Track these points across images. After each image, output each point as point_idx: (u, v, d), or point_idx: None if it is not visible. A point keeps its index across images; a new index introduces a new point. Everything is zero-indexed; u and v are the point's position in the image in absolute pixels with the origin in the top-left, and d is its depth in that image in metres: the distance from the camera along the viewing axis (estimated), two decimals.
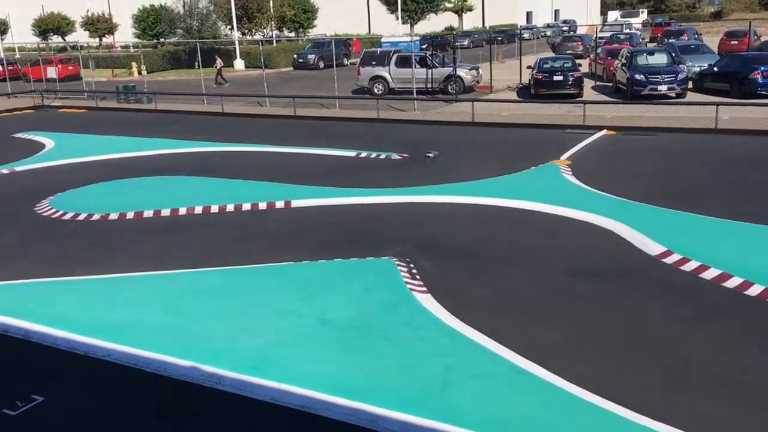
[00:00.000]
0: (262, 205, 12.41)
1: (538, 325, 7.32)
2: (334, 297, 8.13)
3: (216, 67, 35.86)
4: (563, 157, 15.36)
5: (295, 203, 12.47)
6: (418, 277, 8.73)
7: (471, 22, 75.78)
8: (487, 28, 72.05)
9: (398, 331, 7.21)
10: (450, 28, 66.20)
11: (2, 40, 63.08)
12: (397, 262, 9.19)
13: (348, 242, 10.26)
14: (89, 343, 7.12)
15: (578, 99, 22.82)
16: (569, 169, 14.14)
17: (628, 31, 45.35)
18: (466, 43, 55.14)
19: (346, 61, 44.70)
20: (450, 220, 11.29)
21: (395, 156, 16.43)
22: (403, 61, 27.03)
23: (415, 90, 25.17)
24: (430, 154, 16.05)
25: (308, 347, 6.92)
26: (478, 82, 27.86)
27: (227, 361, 6.62)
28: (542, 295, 8.15)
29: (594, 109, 20.14)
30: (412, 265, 9.11)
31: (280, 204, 12.44)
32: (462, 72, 26.94)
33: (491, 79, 27.69)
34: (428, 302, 7.95)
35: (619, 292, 8.11)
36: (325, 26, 65.67)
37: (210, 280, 8.91)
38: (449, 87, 26.50)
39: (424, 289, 8.33)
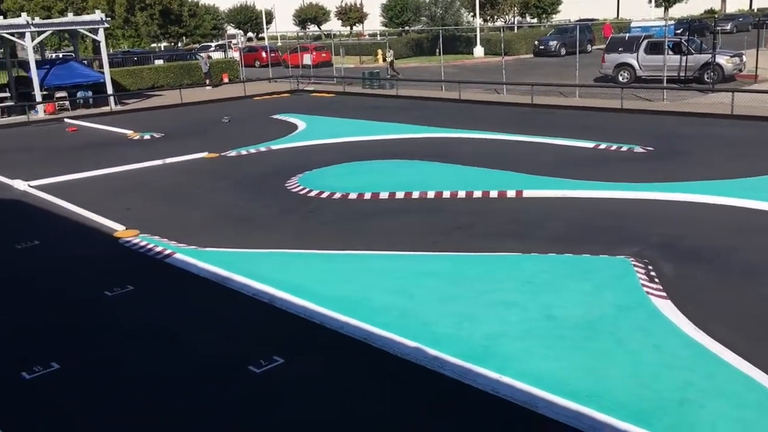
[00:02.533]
0: (493, 194, 12.33)
1: None
2: (562, 293, 7.82)
3: (388, 58, 36.40)
4: None
5: (527, 193, 12.22)
6: (656, 280, 8.09)
7: (736, 4, 68.68)
8: (755, 10, 64.83)
9: (631, 336, 6.74)
10: (710, 11, 60.60)
11: (267, 29, 69.61)
12: (634, 263, 8.60)
13: (581, 237, 9.82)
14: (325, 314, 7.58)
15: None
16: None
17: None
18: (728, 27, 50.09)
19: (589, 48, 42.89)
20: (697, 221, 10.33)
21: (638, 149, 15.41)
22: (654, 47, 25.27)
23: (665, 78, 23.40)
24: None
25: (532, 342, 6.73)
26: (740, 70, 25.20)
27: (450, 346, 6.65)
28: None
29: None
30: (650, 267, 8.47)
31: (511, 193, 12.27)
32: (722, 59, 24.53)
33: (757, 68, 24.84)
34: (667, 309, 7.33)
35: None
36: (569, 11, 63.66)
37: (438, 265, 9.04)
38: (705, 75, 24.31)
39: (664, 294, 7.70)
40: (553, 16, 61.22)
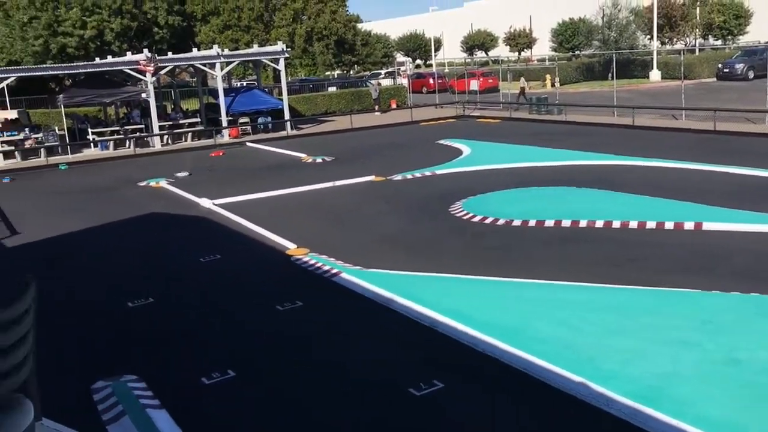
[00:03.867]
0: (669, 225, 11.61)
1: None
2: (747, 335, 7.17)
3: (521, 85, 35.82)
4: None
5: (707, 226, 11.38)
6: None
7: None
8: None
9: None
10: None
11: (435, 56, 70.86)
12: None
13: None
14: (487, 341, 7.48)
15: None
16: None
17: None
18: None
19: None
20: None
21: None
22: None
23: None
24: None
25: (711, 386, 6.21)
26: None
27: (618, 384, 6.31)
28: None
29: None
30: None
31: (689, 225, 11.49)
32: None
33: None
34: None
35: None
36: (758, 32, 59.05)
37: (605, 297, 8.64)
38: None
39: None
40: (740, 37, 57.08)
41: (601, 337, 7.40)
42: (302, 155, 23.09)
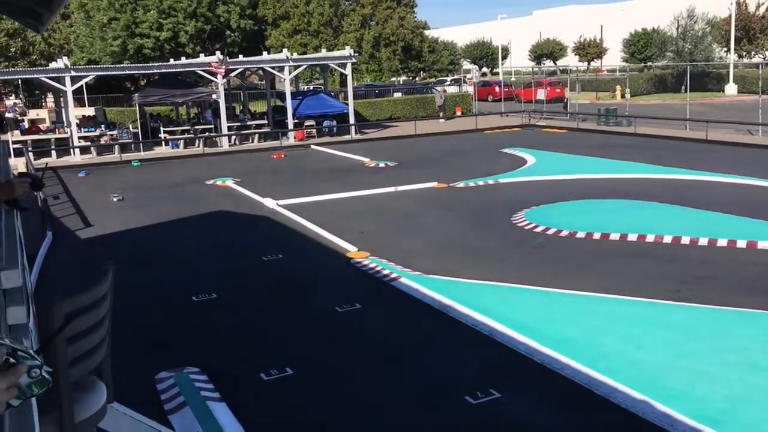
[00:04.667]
0: (741, 243, 11.20)
1: None
2: None
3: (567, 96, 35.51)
4: None
5: None
6: None
7: None
8: None
9: None
10: None
11: (502, 64, 70.34)
12: None
13: None
14: (546, 354, 7.36)
15: None
16: None
17: None
18: None
19: None
20: None
21: None
22: None
23: None
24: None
25: None
26: None
27: (683, 405, 6.12)
28: None
29: None
30: None
31: (763, 245, 11.06)
32: None
33: None
34: None
35: None
36: None
37: (672, 315, 8.39)
38: None
39: None
40: None
41: (666, 356, 7.19)
42: (365, 159, 23.24)
